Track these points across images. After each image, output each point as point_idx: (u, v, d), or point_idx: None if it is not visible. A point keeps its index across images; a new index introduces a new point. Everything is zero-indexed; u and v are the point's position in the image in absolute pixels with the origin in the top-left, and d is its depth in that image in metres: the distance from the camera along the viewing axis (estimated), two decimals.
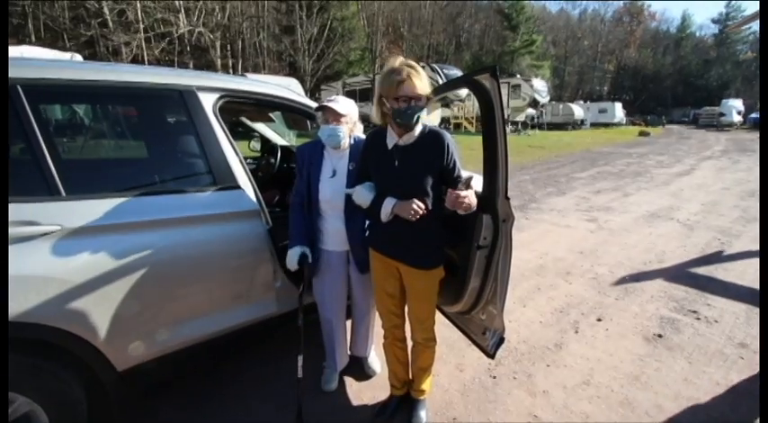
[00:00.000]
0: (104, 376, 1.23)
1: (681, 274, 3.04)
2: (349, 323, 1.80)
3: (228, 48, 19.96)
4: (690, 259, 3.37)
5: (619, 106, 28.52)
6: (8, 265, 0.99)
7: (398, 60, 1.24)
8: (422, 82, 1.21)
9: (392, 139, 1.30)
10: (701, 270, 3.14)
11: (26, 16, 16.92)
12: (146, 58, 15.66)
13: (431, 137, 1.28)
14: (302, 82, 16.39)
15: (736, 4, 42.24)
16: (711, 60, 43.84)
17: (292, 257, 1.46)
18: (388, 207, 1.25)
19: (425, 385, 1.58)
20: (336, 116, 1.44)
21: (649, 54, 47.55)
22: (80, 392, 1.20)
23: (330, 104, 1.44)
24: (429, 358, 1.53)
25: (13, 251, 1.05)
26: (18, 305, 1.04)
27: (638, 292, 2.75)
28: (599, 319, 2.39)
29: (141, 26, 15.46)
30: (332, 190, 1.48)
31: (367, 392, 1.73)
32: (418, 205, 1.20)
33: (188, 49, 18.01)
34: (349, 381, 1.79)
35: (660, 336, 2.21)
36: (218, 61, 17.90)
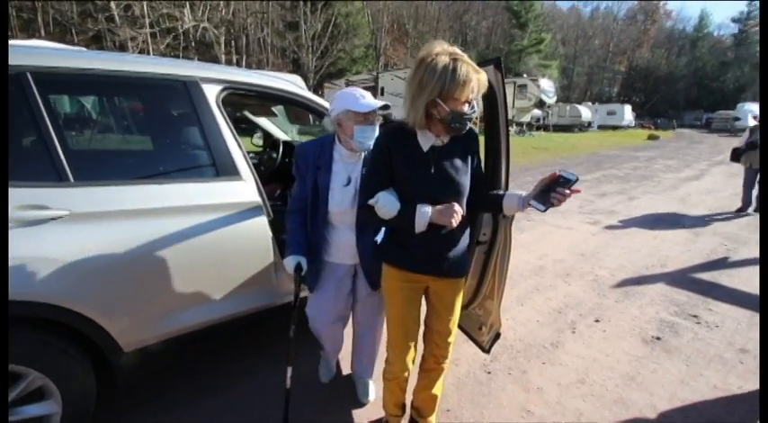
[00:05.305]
0: (111, 356, 1.27)
1: (684, 279, 3.02)
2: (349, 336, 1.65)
3: (233, 44, 20.03)
4: (694, 264, 3.33)
5: (628, 108, 28.09)
6: (8, 260, 1.00)
7: (448, 50, 1.00)
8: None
9: (427, 139, 1.10)
10: (705, 275, 3.11)
11: (36, 11, 17.10)
12: (151, 53, 15.78)
13: (463, 133, 1.11)
14: (305, 79, 16.40)
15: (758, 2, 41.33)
16: (729, 62, 42.34)
17: (289, 264, 1.34)
18: (425, 216, 1.06)
19: (434, 418, 1.41)
20: (374, 114, 1.23)
21: (663, 55, 46.35)
22: (89, 370, 1.24)
23: (374, 101, 1.21)
24: (442, 384, 1.38)
25: (23, 233, 1.09)
26: (28, 285, 1.08)
27: (639, 296, 2.73)
28: (597, 320, 2.38)
29: (147, 21, 15.57)
30: (346, 199, 1.29)
31: (363, 414, 1.56)
32: (460, 208, 1.05)
33: (193, 44, 18.10)
34: (347, 399, 1.64)
35: (658, 338, 2.20)
36: (223, 57, 17.97)
